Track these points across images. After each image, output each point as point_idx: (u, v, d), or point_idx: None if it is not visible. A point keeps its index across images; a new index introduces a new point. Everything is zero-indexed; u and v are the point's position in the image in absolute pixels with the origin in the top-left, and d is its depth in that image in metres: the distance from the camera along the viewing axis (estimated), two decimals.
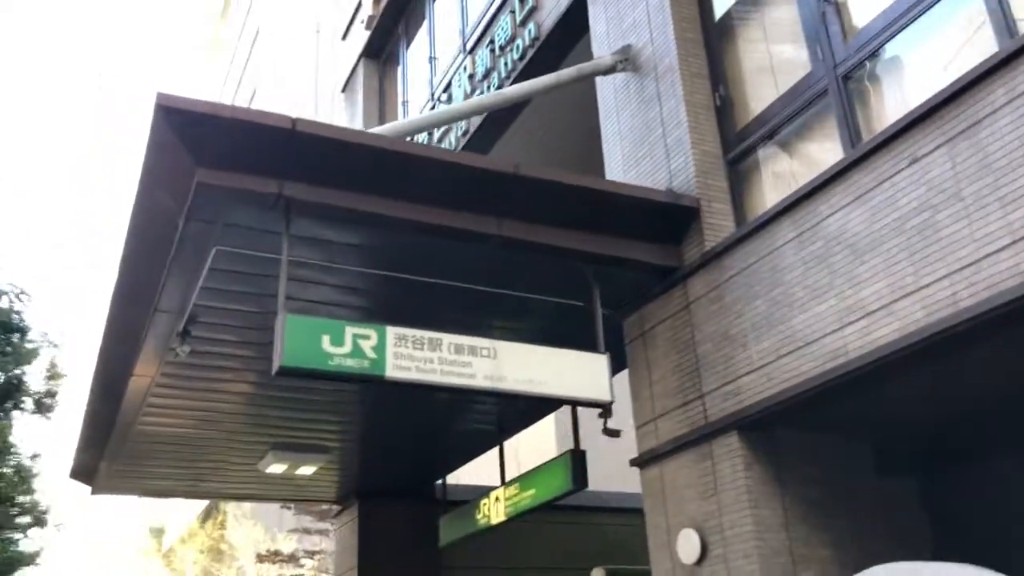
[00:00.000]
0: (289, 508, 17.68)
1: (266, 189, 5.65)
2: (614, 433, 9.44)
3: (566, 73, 7.64)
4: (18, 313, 16.28)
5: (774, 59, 7.07)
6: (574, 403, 6.32)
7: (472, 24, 11.77)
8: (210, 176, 5.50)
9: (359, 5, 16.40)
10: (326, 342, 5.65)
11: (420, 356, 5.91)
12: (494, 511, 10.29)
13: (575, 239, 6.53)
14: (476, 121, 10.40)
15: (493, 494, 10.39)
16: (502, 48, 10.39)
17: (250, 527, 22.50)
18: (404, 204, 5.99)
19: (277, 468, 11.12)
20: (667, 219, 6.78)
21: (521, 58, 9.81)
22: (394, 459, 11.87)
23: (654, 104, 7.47)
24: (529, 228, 6.38)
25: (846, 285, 5.36)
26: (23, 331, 16.05)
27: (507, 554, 12.78)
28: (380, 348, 5.79)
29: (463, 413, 10.34)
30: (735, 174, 6.98)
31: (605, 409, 10.04)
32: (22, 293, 16.50)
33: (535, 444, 14.77)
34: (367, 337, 5.79)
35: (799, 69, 6.54)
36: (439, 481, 13.07)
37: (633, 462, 7.15)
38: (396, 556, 12.41)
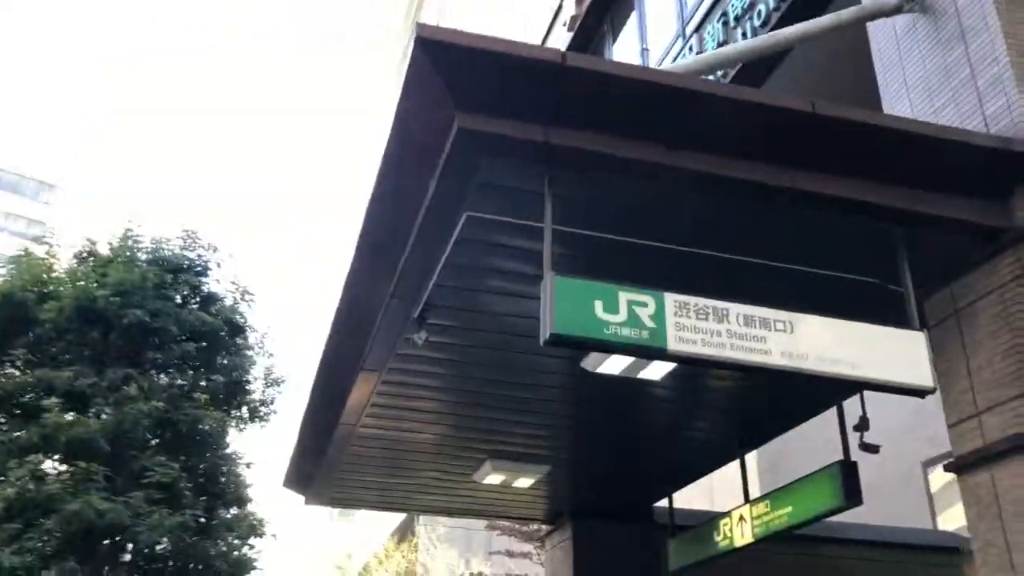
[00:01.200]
0: (490, 530, 17.11)
1: (531, 136, 4.96)
2: (873, 449, 8.22)
3: (847, 13, 6.60)
4: (242, 314, 16.49)
5: None
6: (889, 389, 5.22)
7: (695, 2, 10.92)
8: (472, 121, 4.86)
9: (560, 7, 15.95)
10: (599, 308, 4.86)
11: (705, 328, 5.01)
12: (738, 532, 9.17)
13: (880, 193, 5.46)
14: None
15: (736, 513, 9.28)
16: (737, 19, 9.46)
17: (445, 550, 22.18)
18: (686, 153, 5.15)
19: (494, 479, 10.46)
20: (993, 169, 5.59)
21: (764, 24, 8.83)
22: (613, 474, 10.96)
23: (956, 44, 6.30)
24: (826, 180, 5.38)
25: None
26: (245, 332, 16.23)
27: None
28: (659, 317, 4.95)
29: (697, 420, 9.32)
30: None
31: (862, 421, 8.87)
32: (246, 293, 16.66)
33: (728, 480, 13.49)
34: (644, 304, 4.96)
35: None
36: (659, 502, 12.05)
37: (949, 467, 5.92)
38: None
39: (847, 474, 7.70)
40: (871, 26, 7.13)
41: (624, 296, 4.93)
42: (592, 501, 11.76)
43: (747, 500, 9.23)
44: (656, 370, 7.64)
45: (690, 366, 5.18)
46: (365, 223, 6.17)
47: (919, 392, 5.29)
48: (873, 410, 8.49)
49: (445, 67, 4.75)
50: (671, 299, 5.01)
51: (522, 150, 5.02)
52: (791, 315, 5.20)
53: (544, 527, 13.49)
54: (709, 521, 9.91)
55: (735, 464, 10.23)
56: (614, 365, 7.52)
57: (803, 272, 5.84)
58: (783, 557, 12.11)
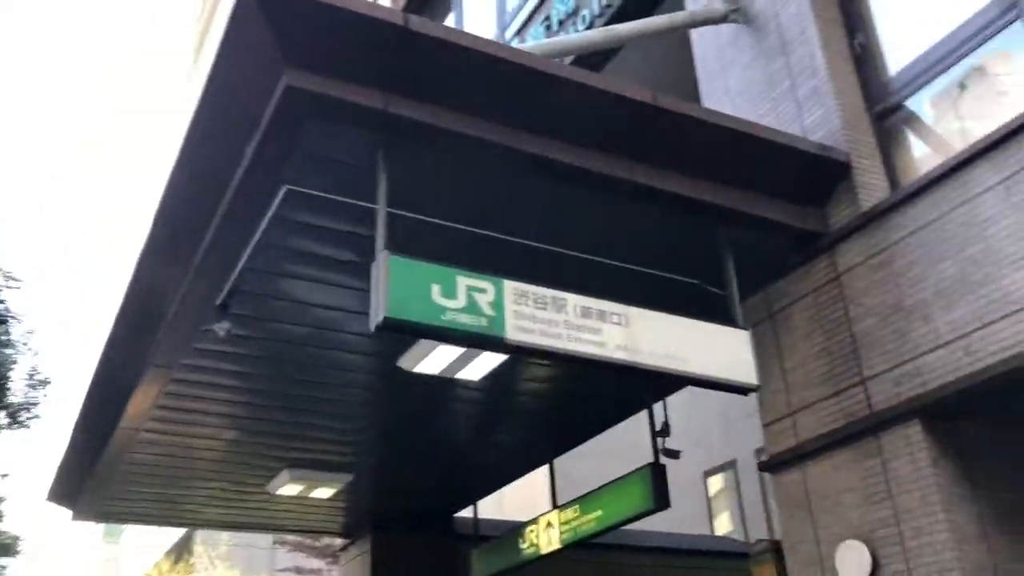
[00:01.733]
0: (279, 546, 16.17)
1: (369, 102, 4.55)
2: (674, 454, 8.41)
3: (679, 17, 6.67)
4: (2, 302, 14.47)
5: None
6: (715, 385, 5.23)
7: (515, 6, 10.86)
8: (302, 79, 4.39)
9: None
10: (436, 292, 4.52)
11: (544, 317, 4.79)
12: (545, 539, 9.06)
13: (714, 192, 5.49)
14: None
15: (543, 519, 9.18)
16: (561, 23, 9.46)
17: (225, 569, 20.82)
18: (530, 136, 4.93)
19: (291, 489, 9.80)
20: (812, 175, 5.78)
21: (588, 29, 8.86)
22: (418, 483, 10.58)
23: (777, 56, 6.53)
24: (664, 176, 5.34)
25: None
26: (6, 322, 14.28)
27: None
28: (498, 305, 4.67)
29: (507, 424, 9.14)
30: (882, 130, 6.01)
31: (664, 427, 9.07)
32: (11, 279, 14.62)
33: (522, 496, 13.48)
34: (483, 290, 4.67)
35: (967, 5, 5.60)
36: (462, 511, 11.81)
37: (763, 466, 6.04)
38: None
39: (657, 477, 7.77)
40: (695, 34, 7.29)
41: (463, 281, 4.62)
42: (393, 511, 11.32)
43: (555, 506, 9.14)
44: (475, 370, 7.40)
45: (521, 358, 4.92)
46: (165, 193, 5.49)
47: (743, 389, 5.34)
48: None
49: (276, 15, 4.25)
50: (510, 287, 4.75)
51: (357, 117, 4.60)
52: (627, 308, 5.09)
53: (339, 540, 12.86)
54: (514, 529, 9.77)
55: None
56: (434, 364, 7.20)
57: (636, 270, 5.80)
58: (584, 564, 12.22)
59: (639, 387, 8.25)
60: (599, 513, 8.32)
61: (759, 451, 13.96)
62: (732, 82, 6.85)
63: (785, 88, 6.40)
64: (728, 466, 15.70)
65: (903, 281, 5.26)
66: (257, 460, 9.34)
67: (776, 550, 8.54)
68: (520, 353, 4.74)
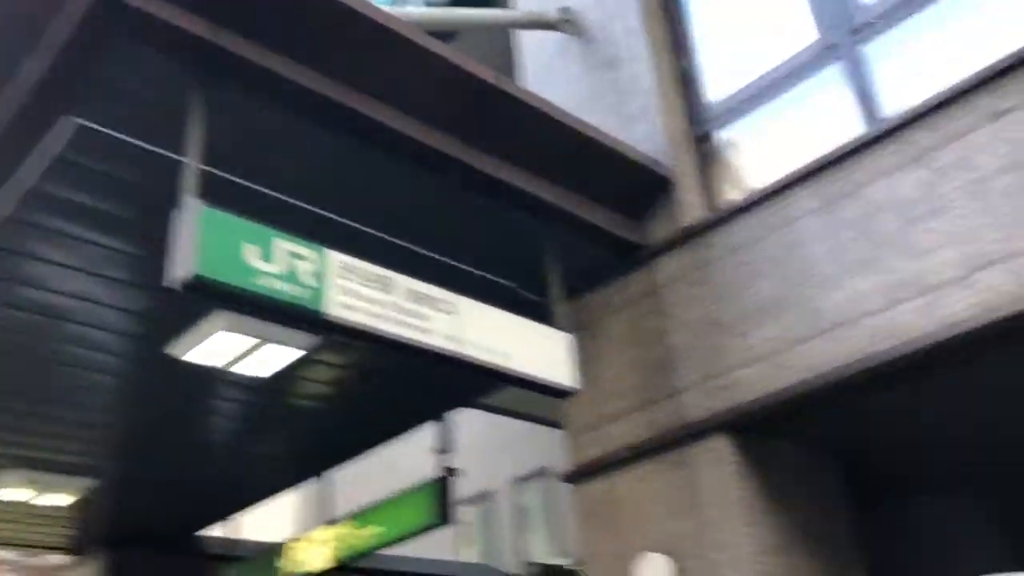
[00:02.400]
0: None
1: (194, 28, 3.94)
2: (453, 472, 8.15)
3: (511, 15, 6.52)
4: None
5: (754, 26, 6.39)
6: (535, 386, 5.00)
7: None
8: None
9: None
10: (252, 254, 3.96)
11: (370, 296, 4.35)
12: (312, 556, 8.41)
13: (545, 189, 5.33)
14: None
15: (314, 535, 8.53)
16: None
17: None
18: (369, 101, 4.51)
19: (18, 493, 8.48)
20: (639, 187, 5.79)
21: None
22: (168, 491, 9.50)
23: (606, 70, 6.55)
24: (498, 164, 5.10)
25: (897, 258, 4.61)
26: None
27: None
28: (321, 276, 4.18)
29: (278, 432, 8.42)
30: (701, 153, 6.15)
31: (446, 443, 8.80)
32: None
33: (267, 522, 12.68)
34: (305, 258, 4.16)
35: (788, 37, 5.88)
36: (208, 529, 10.81)
37: (569, 477, 5.88)
38: None
39: (442, 492, 7.43)
40: (524, 37, 7.18)
41: (282, 245, 4.09)
42: (134, 525, 10.10)
43: (328, 521, 8.54)
44: (262, 365, 6.75)
45: (344, 339, 4.43)
46: None
47: (562, 392, 5.17)
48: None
49: None
50: (336, 258, 4.28)
51: (177, 43, 3.97)
52: (456, 297, 4.76)
53: (65, 558, 11.33)
54: (278, 547, 9.01)
55: None
56: (214, 354, 6.48)
57: (459, 267, 5.52)
58: None
59: (436, 393, 7.92)
60: (379, 529, 7.83)
61: (517, 480, 14.10)
62: (558, 90, 6.78)
63: (611, 102, 6.42)
64: (480, 498, 15.65)
65: (720, 297, 5.34)
66: None
67: (551, 573, 8.51)
68: (339, 332, 4.25)
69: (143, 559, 10.21)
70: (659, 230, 5.83)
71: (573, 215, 5.47)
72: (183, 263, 3.74)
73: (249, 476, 9.40)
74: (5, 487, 8.31)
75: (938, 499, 6.67)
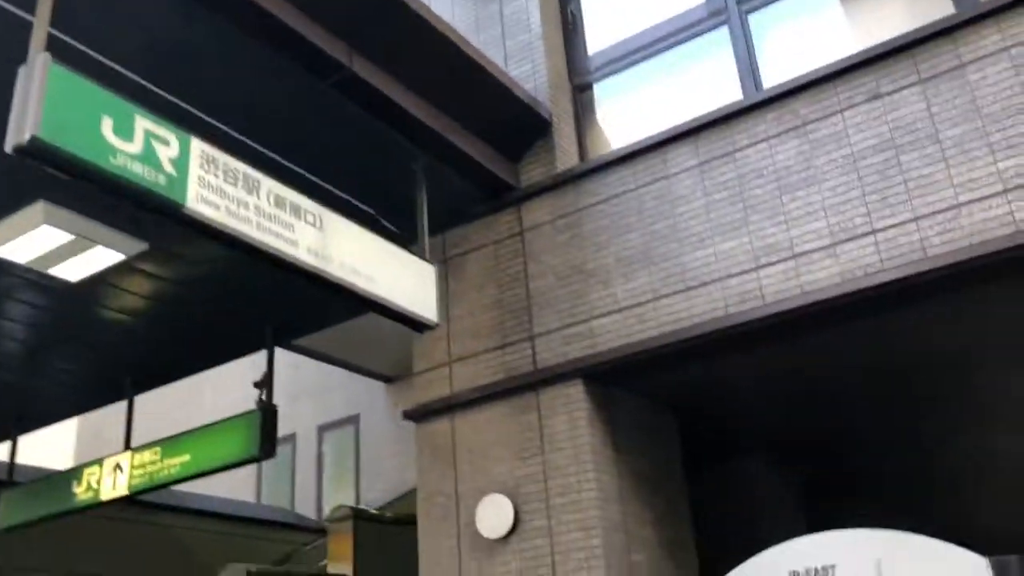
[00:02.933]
0: None
1: None
2: (271, 407, 7.74)
3: None
4: None
5: None
6: (395, 314, 4.74)
7: None
8: None
9: None
10: (107, 127, 3.47)
11: (232, 194, 3.94)
12: (108, 484, 7.75)
13: (425, 111, 5.05)
14: None
15: (109, 461, 7.84)
16: None
17: None
18: None
19: None
20: (518, 125, 5.63)
21: None
22: None
23: (492, 1, 6.31)
24: (382, 76, 4.77)
25: (768, 223, 4.72)
26: None
27: (50, 554, 9.89)
28: (182, 164, 3.74)
29: (85, 345, 7.64)
30: (581, 102, 6.09)
31: (264, 379, 8.38)
32: None
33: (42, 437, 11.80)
34: (165, 141, 3.70)
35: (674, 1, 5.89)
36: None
37: (409, 414, 5.69)
38: None
39: (267, 423, 7.02)
40: None
41: (142, 123, 3.61)
42: None
43: (128, 447, 7.88)
44: (77, 268, 6.07)
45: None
46: None
47: (421, 325, 4.94)
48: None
49: None
50: (198, 147, 3.83)
51: None
52: (323, 210, 4.42)
53: None
54: (67, 473, 8.24)
55: None
56: (24, 250, 5.75)
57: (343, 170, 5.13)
58: (132, 524, 10.87)
59: (256, 324, 7.46)
60: (185, 458, 7.29)
61: (321, 428, 13.78)
62: (444, 13, 6.47)
63: (495, 35, 6.21)
64: (282, 441, 15.18)
65: (587, 245, 5.29)
66: None
67: (356, 517, 8.29)
68: (198, 229, 3.81)
69: None
70: (531, 173, 5.71)
71: (449, 143, 5.24)
72: (22, 123, 3.21)
73: (43, 393, 8.54)
74: None
75: (749, 464, 7.04)
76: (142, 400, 8.69)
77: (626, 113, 6.08)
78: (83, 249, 5.77)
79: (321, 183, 5.18)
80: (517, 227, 5.62)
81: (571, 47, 6.20)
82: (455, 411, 5.47)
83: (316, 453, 14.14)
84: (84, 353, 7.72)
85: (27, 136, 3.18)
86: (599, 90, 6.13)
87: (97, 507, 7.92)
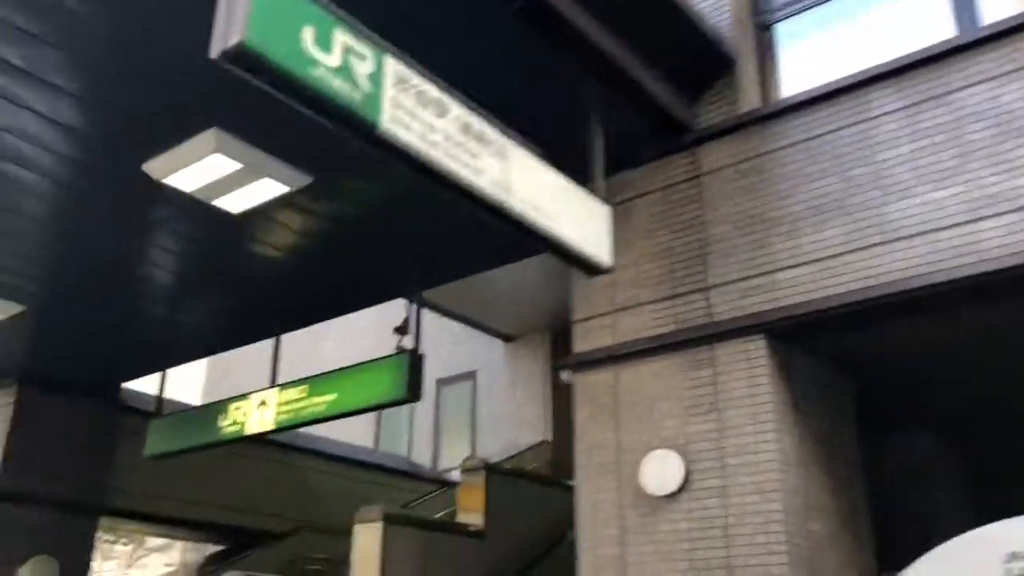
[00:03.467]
0: None
1: None
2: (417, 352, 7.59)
3: None
4: None
5: None
6: (572, 257, 4.52)
7: None
8: None
9: None
10: (308, 38, 3.33)
11: (424, 118, 3.77)
12: (253, 419, 7.88)
13: (606, 38, 4.76)
14: None
15: (256, 397, 7.98)
16: None
17: None
18: None
19: None
20: (701, 61, 5.30)
21: None
22: (96, 332, 8.77)
23: None
24: (566, 1, 4.51)
25: (988, 171, 4.27)
26: None
27: (189, 485, 10.26)
28: (376, 82, 3.58)
29: (241, 280, 7.74)
30: (762, 41, 5.68)
31: (405, 324, 8.34)
32: None
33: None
34: (362, 57, 3.55)
35: None
36: (132, 380, 10.16)
37: (568, 364, 5.50)
38: (57, 462, 9.26)
39: (414, 366, 6.97)
40: None
41: (341, 37, 3.46)
42: (52, 365, 9.36)
43: (273, 383, 7.99)
44: (241, 199, 6.07)
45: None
46: None
47: (595, 268, 4.69)
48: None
49: None
50: (392, 65, 3.67)
51: None
52: (504, 139, 4.21)
53: None
54: (213, 405, 8.43)
55: None
56: (192, 179, 5.78)
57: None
58: (264, 462, 11.20)
59: (401, 269, 7.39)
60: (332, 396, 7.33)
61: (439, 381, 13.81)
62: None
63: None
64: None
65: (772, 192, 4.94)
66: None
67: (489, 469, 8.21)
68: (390, 152, 3.66)
69: (56, 401, 9.51)
70: (710, 115, 5.38)
71: (629, 76, 4.94)
72: (230, 27, 3.10)
73: (191, 328, 8.75)
74: None
75: (918, 437, 6.59)
76: (260, 348, 8.81)
77: (813, 55, 5.64)
78: (249, 180, 5.76)
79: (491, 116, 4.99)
80: (693, 171, 5.31)
81: None
82: (618, 362, 5.24)
83: (434, 406, 14.24)
84: (235, 288, 7.82)
85: (234, 40, 3.06)
86: (782, 29, 5.71)
87: (240, 441, 8.09)
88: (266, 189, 5.88)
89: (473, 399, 13.97)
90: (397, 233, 6.74)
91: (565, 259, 4.60)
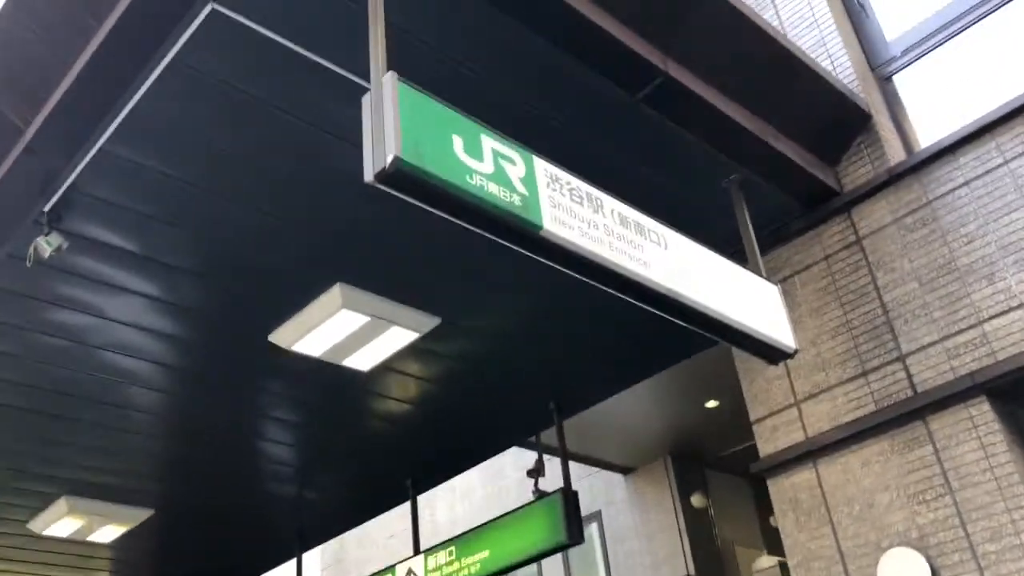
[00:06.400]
0: None
1: None
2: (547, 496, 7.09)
3: None
4: None
5: None
6: (753, 344, 4.07)
7: None
8: None
9: None
10: (459, 146, 3.08)
11: (582, 215, 3.46)
12: None
13: (739, 112, 4.48)
14: None
15: (402, 567, 7.47)
16: None
17: None
18: None
19: (65, 528, 7.44)
20: (837, 121, 4.96)
21: None
22: (230, 526, 8.47)
23: (765, 8, 5.77)
24: (695, 77, 4.25)
25: None
26: None
27: None
28: (531, 184, 3.30)
29: (365, 452, 7.39)
30: (887, 91, 5.34)
31: (538, 465, 7.86)
32: None
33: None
34: (511, 160, 3.28)
35: None
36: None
37: (757, 469, 4.92)
38: None
39: (570, 505, 6.42)
40: None
41: (488, 142, 3.21)
42: (182, 566, 9.04)
43: (417, 551, 7.48)
44: (368, 356, 5.79)
45: (558, 266, 3.42)
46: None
47: (781, 353, 4.23)
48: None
49: None
50: (542, 166, 3.40)
51: None
52: (662, 227, 3.87)
53: None
54: None
55: None
56: (318, 342, 5.52)
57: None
58: None
59: (550, 397, 6.92)
60: (484, 554, 6.78)
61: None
62: None
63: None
64: None
65: (953, 238, 4.46)
66: (21, 483, 6.98)
67: None
68: (553, 255, 3.33)
69: None
70: (855, 174, 4.98)
71: (770, 149, 4.62)
72: (383, 146, 2.86)
73: (322, 504, 8.36)
74: (57, 519, 7.27)
75: None
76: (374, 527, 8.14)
77: (942, 97, 5.27)
78: (377, 333, 5.50)
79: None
80: (851, 235, 4.87)
81: (864, 37, 5.51)
82: (816, 458, 4.66)
83: (562, 555, 13.39)
84: (365, 453, 7.44)
85: (390, 157, 2.82)
86: (903, 78, 5.38)
87: None
88: (395, 339, 5.60)
89: (602, 540, 13.11)
90: (527, 364, 6.37)
91: (748, 348, 4.15)
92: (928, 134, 5.12)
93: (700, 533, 10.55)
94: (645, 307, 3.74)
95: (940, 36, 5.19)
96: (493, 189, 3.11)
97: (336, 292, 5.14)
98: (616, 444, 11.18)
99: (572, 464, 11.84)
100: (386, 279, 5.17)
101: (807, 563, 4.56)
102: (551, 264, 3.42)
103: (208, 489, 7.55)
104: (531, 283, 5.03)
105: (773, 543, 10.08)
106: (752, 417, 5.03)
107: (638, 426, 10.26)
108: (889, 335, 4.56)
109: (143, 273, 4.74)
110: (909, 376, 4.43)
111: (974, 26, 5.10)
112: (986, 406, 4.14)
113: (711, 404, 8.96)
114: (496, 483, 11.97)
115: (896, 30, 5.45)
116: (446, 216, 3.08)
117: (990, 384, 4.14)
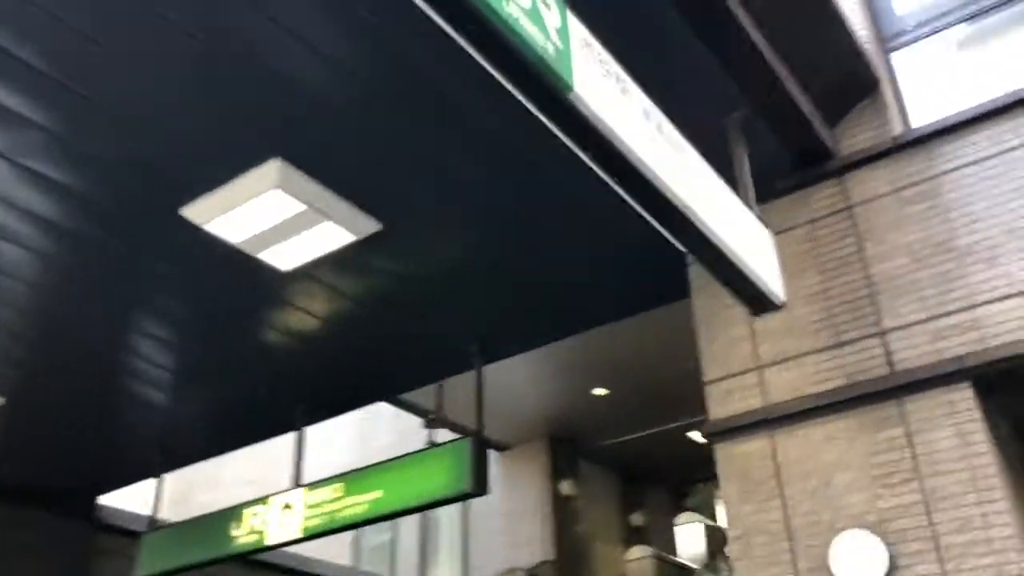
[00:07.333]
0: None
1: None
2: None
3: None
4: None
5: None
6: (747, 287, 3.68)
7: None
8: None
9: None
10: None
11: (609, 91, 2.97)
12: (274, 527, 6.68)
13: (761, 41, 4.07)
14: None
15: (276, 500, 6.81)
16: None
17: None
18: None
19: None
20: (843, 81, 4.64)
21: None
22: (71, 441, 7.58)
23: None
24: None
25: None
26: None
27: None
28: (564, 37, 2.79)
29: (255, 366, 6.66)
30: (891, 64, 5.07)
31: (438, 412, 7.42)
32: None
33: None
34: (547, 5, 2.76)
35: None
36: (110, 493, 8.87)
37: (705, 431, 4.56)
38: None
39: (478, 453, 5.93)
40: None
41: None
42: (24, 476, 8.08)
43: (298, 483, 6.83)
44: (294, 253, 5.12)
45: (577, 138, 2.90)
46: None
47: (768, 303, 3.86)
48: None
49: None
50: (575, 24, 2.89)
51: None
52: (678, 135, 3.42)
53: None
54: (225, 513, 7.18)
55: None
56: (237, 225, 4.82)
57: None
58: None
59: (472, 340, 6.39)
60: (375, 495, 6.21)
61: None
62: None
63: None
64: None
65: (955, 217, 4.20)
66: None
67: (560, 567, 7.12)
68: (576, 130, 2.82)
69: (22, 518, 8.17)
70: (856, 138, 4.68)
71: (783, 92, 4.23)
72: None
73: (190, 425, 7.58)
74: None
75: None
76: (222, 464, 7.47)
77: (948, 77, 5.04)
78: (309, 226, 4.85)
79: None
80: (842, 202, 4.56)
81: (874, 7, 5.23)
82: (774, 427, 4.33)
83: (418, 523, 12.90)
84: (255, 368, 6.66)
85: None
86: (907, 54, 5.12)
87: (261, 552, 6.86)
88: (327, 238, 4.97)
89: (464, 514, 12.67)
90: (460, 298, 5.84)
91: (738, 290, 3.76)
92: (931, 111, 4.87)
93: (564, 521, 10.20)
94: (644, 213, 3.28)
95: (954, 16, 4.95)
96: (528, 26, 2.58)
97: (272, 168, 4.47)
98: (495, 418, 10.67)
99: (444, 433, 11.34)
100: (331, 166, 4.54)
101: (748, 537, 4.23)
102: (566, 138, 2.90)
103: (68, 382, 6.64)
104: (487, 204, 4.52)
105: (633, 542, 9.84)
106: (706, 377, 4.66)
107: (520, 403, 9.75)
108: (870, 308, 4.26)
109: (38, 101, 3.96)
110: (888, 353, 4.14)
111: (992, 12, 4.88)
112: (969, 392, 3.88)
113: (599, 392, 8.56)
114: (370, 448, 11.28)
115: (907, 5, 5.20)
116: (470, 47, 2.52)
117: (978, 371, 3.89)
